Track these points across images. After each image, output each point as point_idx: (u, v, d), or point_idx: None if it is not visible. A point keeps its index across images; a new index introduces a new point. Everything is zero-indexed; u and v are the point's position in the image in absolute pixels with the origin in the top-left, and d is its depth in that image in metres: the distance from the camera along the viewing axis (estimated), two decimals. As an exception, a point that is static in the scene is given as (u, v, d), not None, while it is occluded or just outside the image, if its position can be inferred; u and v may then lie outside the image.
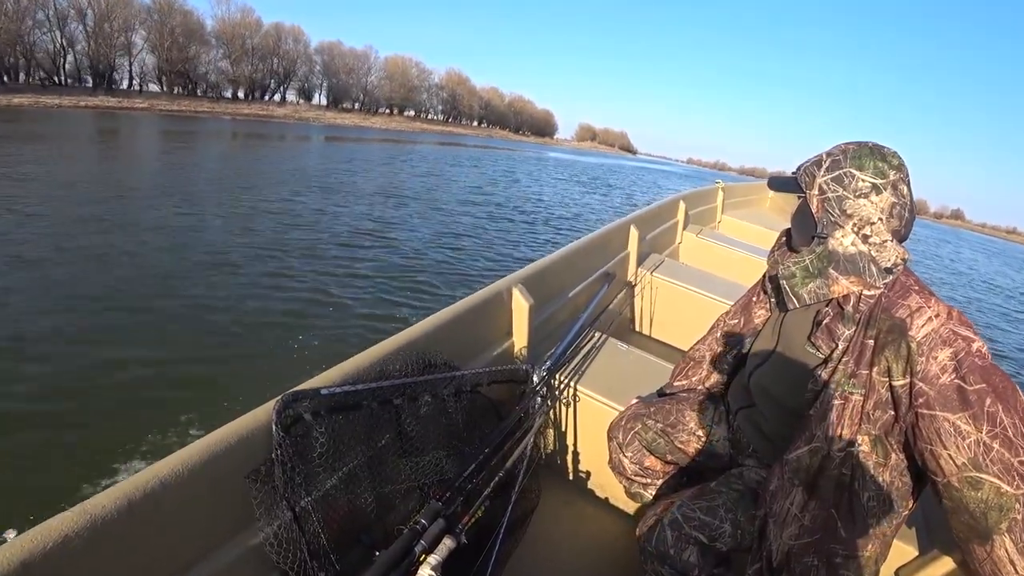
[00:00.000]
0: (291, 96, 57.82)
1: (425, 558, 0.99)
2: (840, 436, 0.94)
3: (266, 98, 53.06)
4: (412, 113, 72.26)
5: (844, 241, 0.97)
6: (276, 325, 4.82)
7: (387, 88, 65.20)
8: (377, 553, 0.99)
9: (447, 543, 1.01)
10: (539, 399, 1.51)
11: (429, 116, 76.56)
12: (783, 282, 1.04)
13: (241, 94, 49.60)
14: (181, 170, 11.81)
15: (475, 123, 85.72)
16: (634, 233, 3.05)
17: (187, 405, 3.44)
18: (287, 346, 4.45)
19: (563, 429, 1.72)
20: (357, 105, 63.65)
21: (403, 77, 66.80)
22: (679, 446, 1.32)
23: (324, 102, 60.00)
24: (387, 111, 67.32)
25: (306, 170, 14.04)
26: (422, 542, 1.01)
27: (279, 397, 0.97)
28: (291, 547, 0.94)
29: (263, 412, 0.96)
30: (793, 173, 1.07)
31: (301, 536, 0.96)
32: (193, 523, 0.88)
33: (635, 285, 2.87)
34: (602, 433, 1.48)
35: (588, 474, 1.73)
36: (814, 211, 1.00)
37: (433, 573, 0.95)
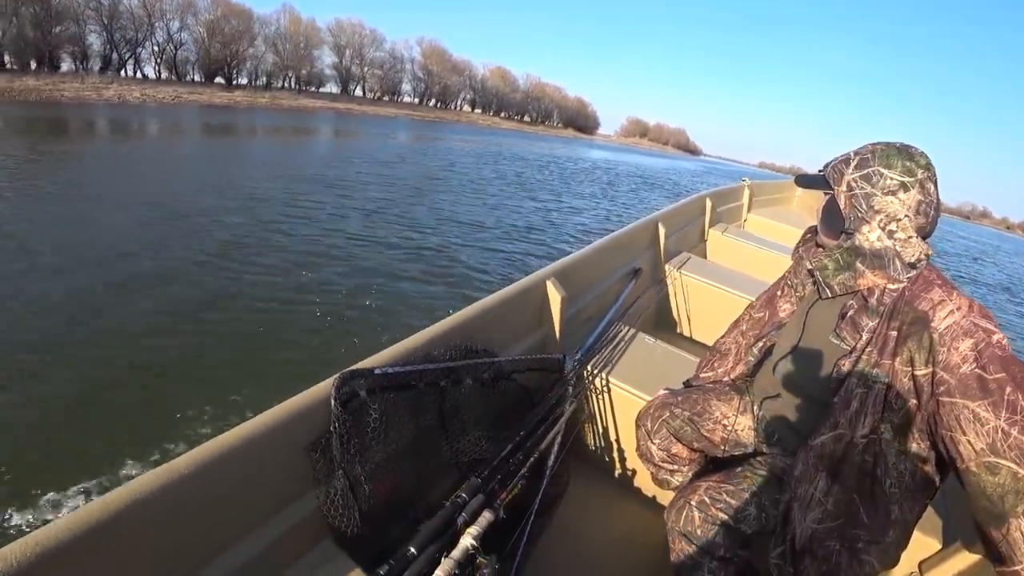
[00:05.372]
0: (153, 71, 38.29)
1: (466, 529, 1.06)
2: (863, 424, 0.98)
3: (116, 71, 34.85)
4: (360, 93, 55.23)
5: (870, 236, 1.01)
6: (327, 309, 5.05)
7: (274, 57, 45.21)
8: (420, 524, 1.08)
9: (487, 516, 1.09)
10: (570, 388, 1.58)
11: (403, 99, 60.58)
12: (817, 273, 1.10)
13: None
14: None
15: (468, 109, 70.08)
16: (661, 230, 3.09)
17: (247, 381, 3.69)
18: (337, 330, 4.70)
19: (592, 417, 1.78)
20: (290, 83, 46.48)
21: (306, 41, 46.86)
22: (705, 434, 1.36)
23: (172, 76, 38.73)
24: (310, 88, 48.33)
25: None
26: (463, 515, 1.09)
27: (337, 375, 1.05)
28: (346, 512, 1.03)
29: (323, 388, 1.04)
30: (820, 171, 1.12)
31: (355, 503, 1.04)
32: (263, 485, 0.98)
33: (661, 281, 2.91)
34: (630, 422, 1.54)
35: (615, 461, 1.79)
36: (842, 207, 1.04)
37: (474, 542, 1.03)
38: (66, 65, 33.90)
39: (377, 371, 1.10)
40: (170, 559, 0.88)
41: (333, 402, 1.02)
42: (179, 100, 32.16)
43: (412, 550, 1.00)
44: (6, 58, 30.22)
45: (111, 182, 9.42)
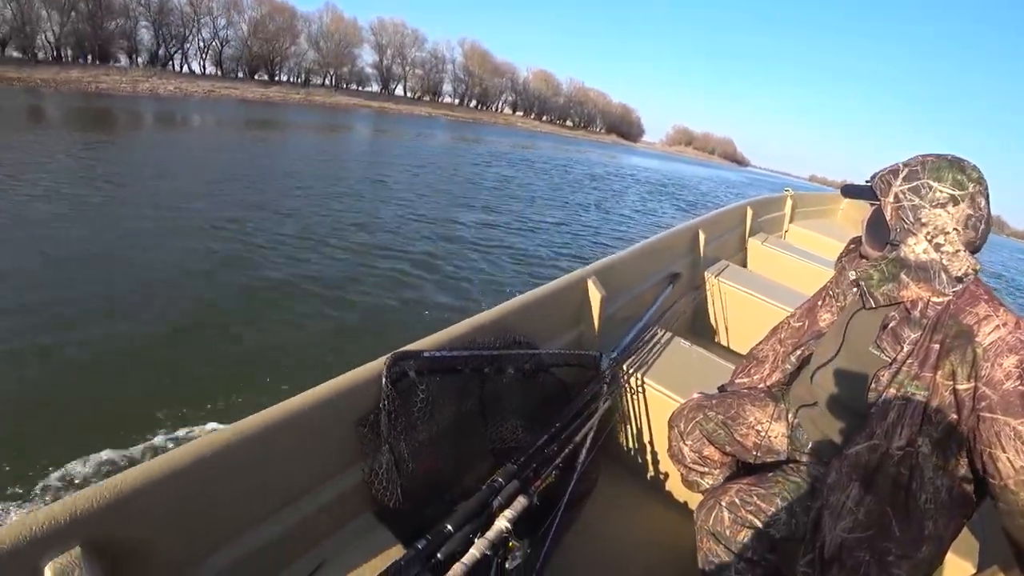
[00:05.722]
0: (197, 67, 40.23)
1: (501, 512, 1.10)
2: (900, 435, 0.97)
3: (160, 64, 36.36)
4: (401, 92, 55.86)
5: (916, 248, 1.00)
6: (373, 294, 5.49)
7: (321, 55, 46.26)
8: (456, 504, 1.12)
9: (521, 501, 1.12)
10: (605, 385, 1.60)
11: (443, 99, 60.78)
12: (862, 283, 1.09)
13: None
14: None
15: (509, 111, 69.36)
16: (701, 237, 3.09)
17: (304, 356, 4.09)
18: (386, 312, 5.15)
19: (625, 416, 1.80)
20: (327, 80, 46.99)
21: (345, 40, 47.14)
22: (738, 439, 1.36)
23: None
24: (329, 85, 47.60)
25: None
26: (499, 498, 1.13)
27: (389, 354, 1.10)
28: (389, 486, 1.08)
29: (375, 366, 1.10)
30: (867, 181, 1.11)
31: (397, 478, 1.09)
32: (314, 454, 1.04)
33: (699, 288, 2.90)
34: (662, 423, 1.55)
35: (645, 461, 1.80)
36: (888, 218, 1.04)
37: (508, 525, 1.06)
38: (123, 59, 35.76)
39: (426, 354, 1.15)
40: (223, 517, 0.95)
41: (384, 380, 1.07)
42: (211, 95, 33.12)
43: (449, 527, 1.05)
44: (65, 51, 31.97)
45: (130, 171, 9.81)
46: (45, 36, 31.64)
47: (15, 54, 30.53)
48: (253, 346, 4.13)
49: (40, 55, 31.31)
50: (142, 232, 6.34)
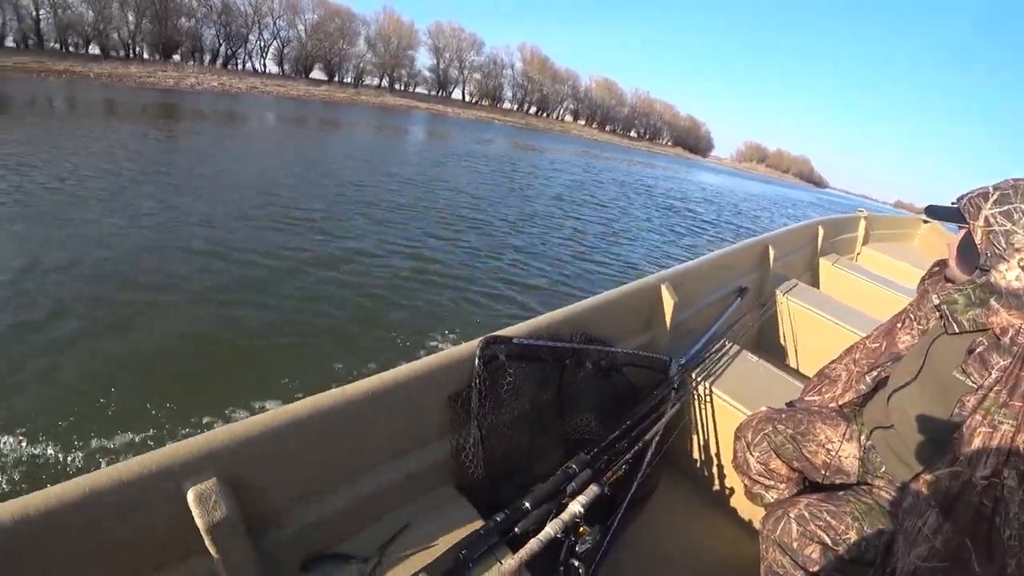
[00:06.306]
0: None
1: (575, 497, 1.15)
2: (984, 464, 0.94)
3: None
4: (459, 95, 57.27)
5: (1008, 275, 0.98)
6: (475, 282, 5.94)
7: (373, 57, 48.29)
8: (528, 486, 1.18)
9: (593, 489, 1.17)
10: (673, 391, 1.63)
11: (503, 104, 61.18)
12: (944, 307, 1.07)
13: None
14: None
15: (570, 119, 69.46)
16: (771, 253, 3.06)
17: (407, 330, 4.52)
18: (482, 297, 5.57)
19: (691, 422, 1.82)
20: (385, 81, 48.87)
21: (402, 42, 49.05)
22: (807, 455, 1.34)
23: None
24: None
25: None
26: (572, 484, 1.18)
27: (483, 337, 1.18)
28: (474, 461, 1.15)
29: (469, 347, 1.18)
30: (953, 203, 1.09)
31: (482, 454, 1.17)
32: (409, 422, 1.13)
33: (767, 304, 2.87)
34: (727, 433, 1.56)
35: (708, 469, 1.81)
36: (978, 242, 1.02)
37: (582, 510, 1.12)
38: (178, 56, 38.94)
39: (515, 340, 1.22)
40: (328, 468, 1.05)
41: (477, 361, 1.15)
42: (254, 91, 34.89)
43: (527, 504, 1.11)
44: (133, 49, 35.51)
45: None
46: (120, 34, 35.06)
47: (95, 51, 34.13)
48: (361, 321, 4.61)
49: (114, 53, 34.70)
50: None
